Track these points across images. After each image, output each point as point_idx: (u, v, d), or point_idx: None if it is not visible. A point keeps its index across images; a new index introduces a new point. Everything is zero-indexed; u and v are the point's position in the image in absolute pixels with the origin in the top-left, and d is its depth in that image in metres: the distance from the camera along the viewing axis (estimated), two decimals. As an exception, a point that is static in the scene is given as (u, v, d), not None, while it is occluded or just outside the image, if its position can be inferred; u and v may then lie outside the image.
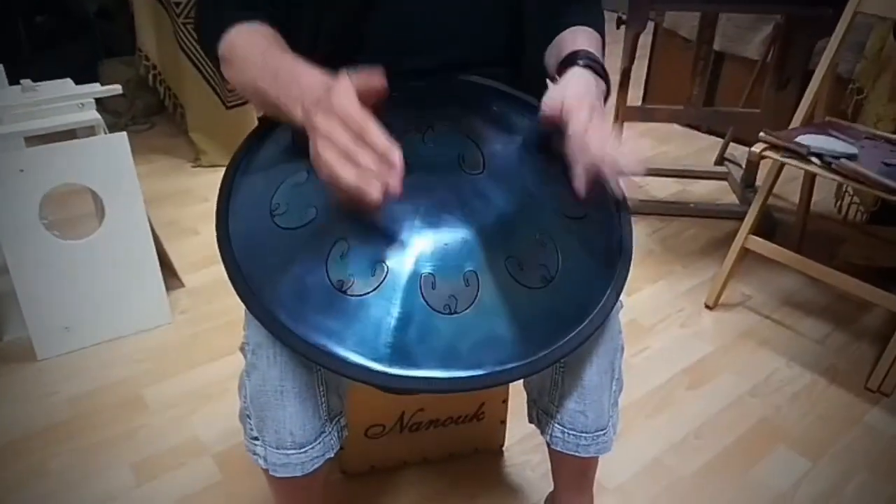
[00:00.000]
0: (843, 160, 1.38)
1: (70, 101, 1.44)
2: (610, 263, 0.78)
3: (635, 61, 2.10)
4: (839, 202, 2.04)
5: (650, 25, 2.77)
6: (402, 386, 0.67)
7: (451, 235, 0.71)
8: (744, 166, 2.31)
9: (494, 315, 0.69)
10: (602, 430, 0.87)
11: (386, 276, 0.69)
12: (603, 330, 0.82)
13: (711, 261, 1.93)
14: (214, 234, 0.75)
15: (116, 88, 1.53)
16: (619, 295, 0.78)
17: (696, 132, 2.82)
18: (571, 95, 0.75)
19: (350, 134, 0.62)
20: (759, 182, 2.24)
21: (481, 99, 0.88)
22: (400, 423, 1.21)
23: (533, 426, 0.94)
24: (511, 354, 0.69)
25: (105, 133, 1.47)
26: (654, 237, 2.06)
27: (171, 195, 2.22)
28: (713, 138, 2.74)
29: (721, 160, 2.51)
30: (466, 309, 0.69)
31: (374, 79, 0.67)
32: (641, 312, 1.71)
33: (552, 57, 0.88)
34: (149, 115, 2.78)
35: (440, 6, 0.87)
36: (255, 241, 0.74)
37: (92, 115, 1.45)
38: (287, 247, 0.72)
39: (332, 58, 0.87)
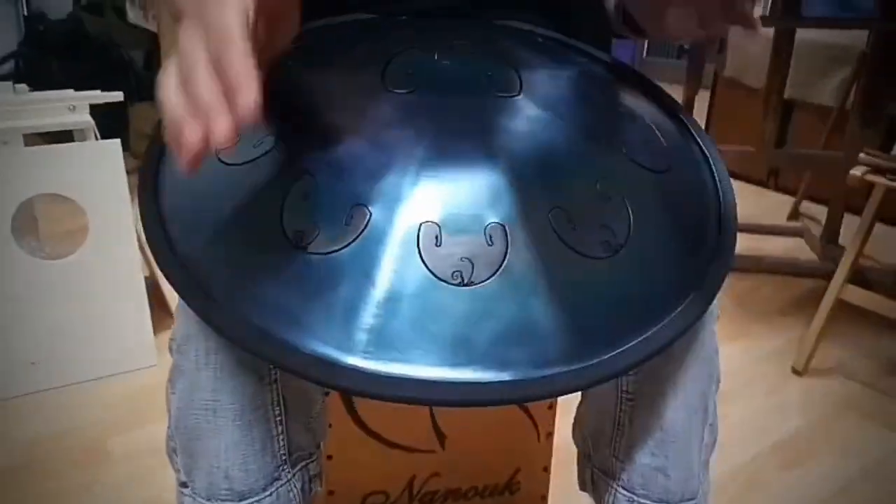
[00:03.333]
0: (973, 181, 1.11)
1: (61, 102, 1.29)
2: (705, 241, 0.53)
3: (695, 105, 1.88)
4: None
5: (709, 77, 2.57)
6: (384, 392, 0.42)
7: (469, 172, 0.47)
8: (823, 220, 2.03)
9: (530, 292, 0.44)
10: (692, 499, 0.58)
11: (367, 224, 0.45)
12: (694, 342, 0.56)
13: (794, 321, 1.63)
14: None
15: (117, 95, 1.38)
16: (717, 290, 0.52)
17: (764, 189, 2.55)
18: None
19: (207, 53, 0.39)
20: (842, 240, 1.97)
21: (523, 35, 0.66)
22: (409, 491, 0.94)
23: (586, 496, 0.66)
24: (553, 353, 0.44)
25: (97, 139, 1.30)
26: (726, 294, 1.77)
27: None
28: (783, 196, 2.47)
29: (795, 215, 2.23)
30: (488, 279, 0.44)
31: None
32: (716, 375, 1.41)
33: None
34: (176, 159, 2.67)
35: None
36: (187, 184, 0.51)
37: (82, 117, 1.28)
38: (230, 187, 0.49)
39: None
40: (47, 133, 1.37)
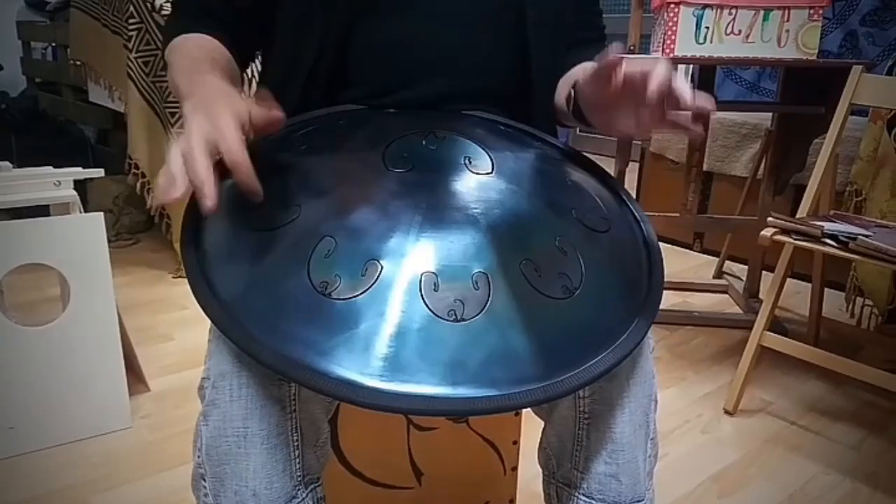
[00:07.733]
0: (860, 238, 1.31)
1: (48, 178, 1.37)
2: (639, 284, 0.67)
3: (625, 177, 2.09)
4: (850, 305, 1.95)
5: (637, 151, 2.82)
6: (397, 405, 0.53)
7: (458, 233, 0.61)
8: (745, 277, 2.25)
9: (509, 325, 0.57)
10: (640, 500, 0.71)
11: (379, 275, 0.57)
12: (634, 369, 0.69)
13: (724, 368, 1.80)
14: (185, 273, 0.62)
15: (98, 172, 1.47)
16: (650, 325, 0.66)
17: (690, 251, 2.78)
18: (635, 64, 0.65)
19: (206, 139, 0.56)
20: (762, 295, 2.17)
21: (490, 124, 0.81)
22: (387, 526, 1.02)
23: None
24: (529, 373, 0.56)
25: (80, 212, 1.38)
26: (660, 345, 1.93)
27: (149, 303, 2.10)
28: (707, 257, 2.70)
29: (720, 274, 2.45)
30: (476, 316, 0.57)
31: (273, 111, 0.63)
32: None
33: (563, 89, 0.82)
34: (134, 232, 2.72)
35: (432, 30, 0.81)
36: (225, 246, 0.63)
37: (67, 192, 1.37)
38: (263, 248, 0.61)
39: (312, 91, 0.80)
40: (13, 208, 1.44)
